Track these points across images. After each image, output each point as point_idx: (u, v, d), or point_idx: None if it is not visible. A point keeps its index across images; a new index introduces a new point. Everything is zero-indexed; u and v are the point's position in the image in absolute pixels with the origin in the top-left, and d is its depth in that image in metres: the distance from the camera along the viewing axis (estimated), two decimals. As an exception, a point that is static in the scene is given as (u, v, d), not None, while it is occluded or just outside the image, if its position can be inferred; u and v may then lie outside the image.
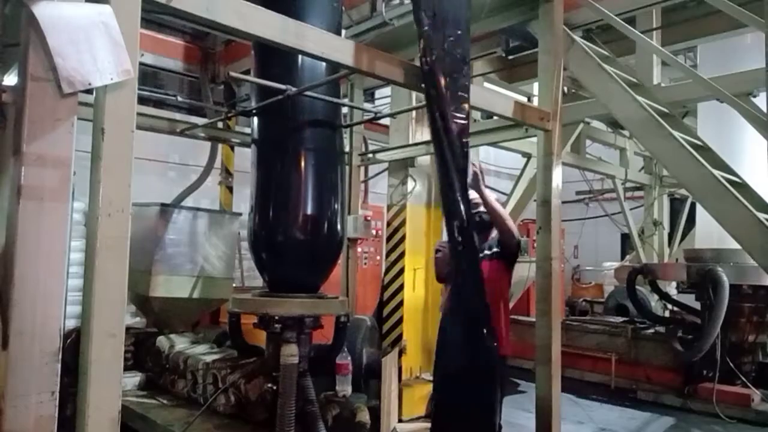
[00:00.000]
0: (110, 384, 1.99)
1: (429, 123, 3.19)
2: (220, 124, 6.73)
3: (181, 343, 4.97)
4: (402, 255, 5.54)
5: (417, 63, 3.12)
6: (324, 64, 3.75)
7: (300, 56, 3.78)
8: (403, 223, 5.63)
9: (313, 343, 4.00)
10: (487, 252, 3.66)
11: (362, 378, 4.52)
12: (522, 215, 6.83)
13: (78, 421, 1.99)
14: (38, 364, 1.84)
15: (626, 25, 4.56)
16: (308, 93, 3.83)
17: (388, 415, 4.43)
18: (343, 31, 4.91)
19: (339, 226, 4.15)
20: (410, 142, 5.61)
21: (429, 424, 4.37)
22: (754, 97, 4.89)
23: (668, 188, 9.07)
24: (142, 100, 5.29)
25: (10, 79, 2.76)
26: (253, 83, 4.19)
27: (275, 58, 3.93)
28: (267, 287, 4.17)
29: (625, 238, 11.76)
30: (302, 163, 3.95)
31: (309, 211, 3.93)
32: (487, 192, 3.64)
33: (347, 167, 5.67)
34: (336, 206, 4.12)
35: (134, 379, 4.89)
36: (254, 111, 4.27)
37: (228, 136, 6.73)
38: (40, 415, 1.84)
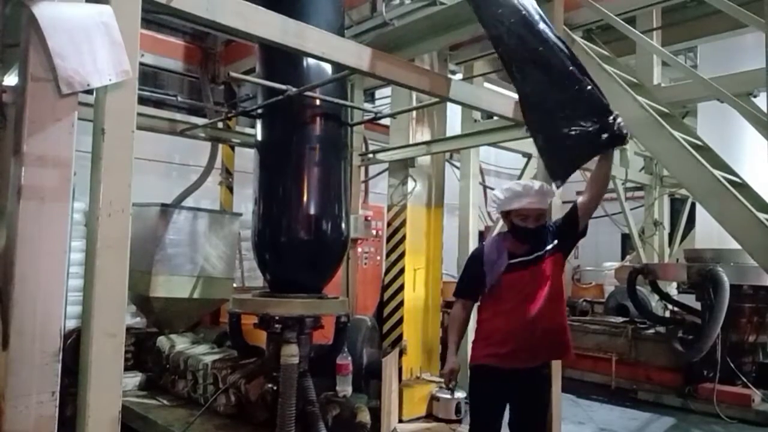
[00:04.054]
0: (110, 384, 1.99)
1: None
2: (220, 125, 6.73)
3: (181, 343, 4.97)
4: (402, 255, 5.54)
5: (417, 63, 3.12)
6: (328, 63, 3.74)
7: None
8: (403, 224, 5.63)
9: (313, 344, 4.00)
10: (548, 248, 3.15)
11: (363, 378, 4.51)
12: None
13: (78, 421, 1.99)
14: (38, 364, 1.84)
15: (626, 25, 4.56)
16: (309, 93, 3.82)
17: (388, 415, 4.42)
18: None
19: (344, 226, 4.14)
20: (410, 142, 5.59)
21: (429, 425, 4.35)
22: (754, 97, 4.88)
23: (668, 188, 9.05)
24: (142, 101, 5.29)
25: (11, 80, 2.76)
26: (255, 83, 4.18)
27: (279, 58, 3.92)
28: (268, 287, 4.16)
29: (626, 239, 11.73)
30: (307, 163, 3.94)
31: (313, 211, 3.92)
32: None
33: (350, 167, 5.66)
34: (342, 206, 4.11)
35: (134, 379, 4.89)
36: (255, 111, 4.26)
37: (228, 136, 6.73)
38: (40, 415, 1.84)
